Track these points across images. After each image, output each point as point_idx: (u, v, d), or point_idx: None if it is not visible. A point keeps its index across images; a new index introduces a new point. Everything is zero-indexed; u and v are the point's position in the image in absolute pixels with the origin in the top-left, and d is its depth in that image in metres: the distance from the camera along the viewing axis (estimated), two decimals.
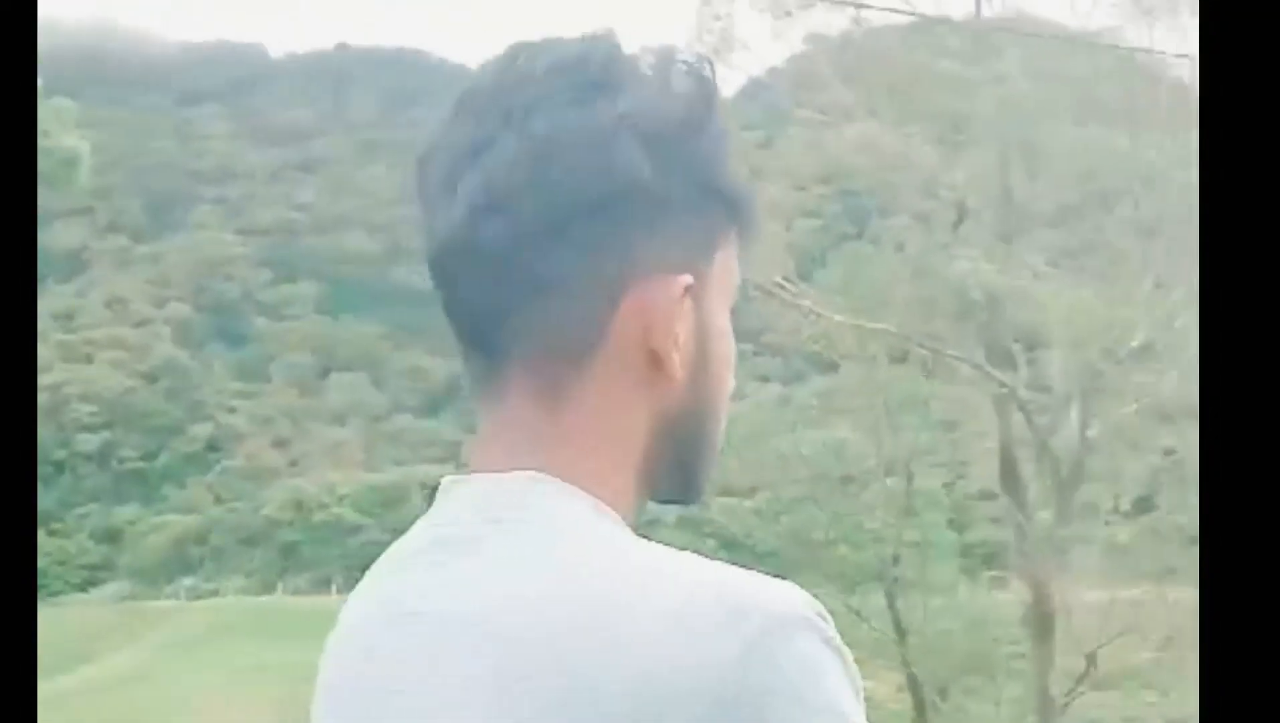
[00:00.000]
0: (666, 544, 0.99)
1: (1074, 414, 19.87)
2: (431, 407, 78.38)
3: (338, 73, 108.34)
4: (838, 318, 18.75)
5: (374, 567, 1.10)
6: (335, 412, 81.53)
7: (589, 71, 1.02)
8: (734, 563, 0.99)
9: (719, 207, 1.07)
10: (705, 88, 1.06)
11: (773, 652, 0.91)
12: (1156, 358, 20.55)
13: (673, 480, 1.09)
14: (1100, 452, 20.55)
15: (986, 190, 19.19)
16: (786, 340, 21.97)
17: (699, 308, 1.05)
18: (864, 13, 18.39)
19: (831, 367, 21.94)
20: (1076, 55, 17.99)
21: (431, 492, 1.08)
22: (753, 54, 18.95)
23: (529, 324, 1.02)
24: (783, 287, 18.76)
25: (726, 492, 22.77)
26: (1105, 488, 21.30)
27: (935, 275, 18.49)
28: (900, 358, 20.10)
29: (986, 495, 23.15)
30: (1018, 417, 19.63)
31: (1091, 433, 19.98)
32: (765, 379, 40.10)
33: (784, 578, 0.97)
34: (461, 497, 1.04)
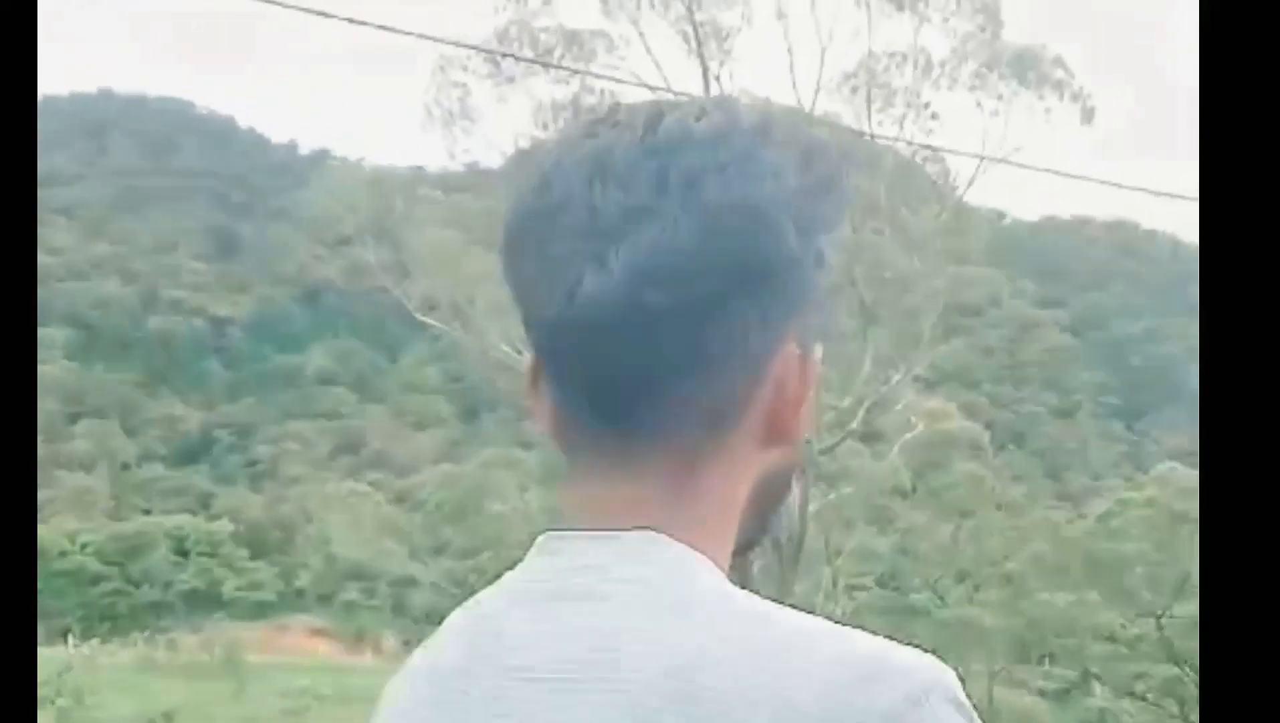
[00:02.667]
0: None
1: (796, 493, 20.31)
2: (184, 456, 76.03)
3: (100, 118, 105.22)
4: None
5: (458, 620, 1.07)
6: (83, 459, 78.34)
7: (745, 141, 1.01)
8: None
9: (829, 266, 1.07)
10: (832, 157, 1.07)
11: (919, 719, 0.93)
12: (879, 439, 21.07)
13: (752, 531, 1.10)
14: (822, 531, 21.04)
15: None
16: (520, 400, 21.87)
17: (810, 373, 1.08)
18: (597, 82, 18.58)
19: None
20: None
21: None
22: (485, 122, 18.97)
23: (674, 396, 1.01)
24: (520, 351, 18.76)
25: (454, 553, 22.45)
26: (826, 567, 21.76)
27: None
28: None
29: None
30: None
31: (813, 509, 20.40)
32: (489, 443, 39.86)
33: None
34: (572, 552, 1.02)
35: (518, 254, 1.02)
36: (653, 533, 1.00)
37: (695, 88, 18.68)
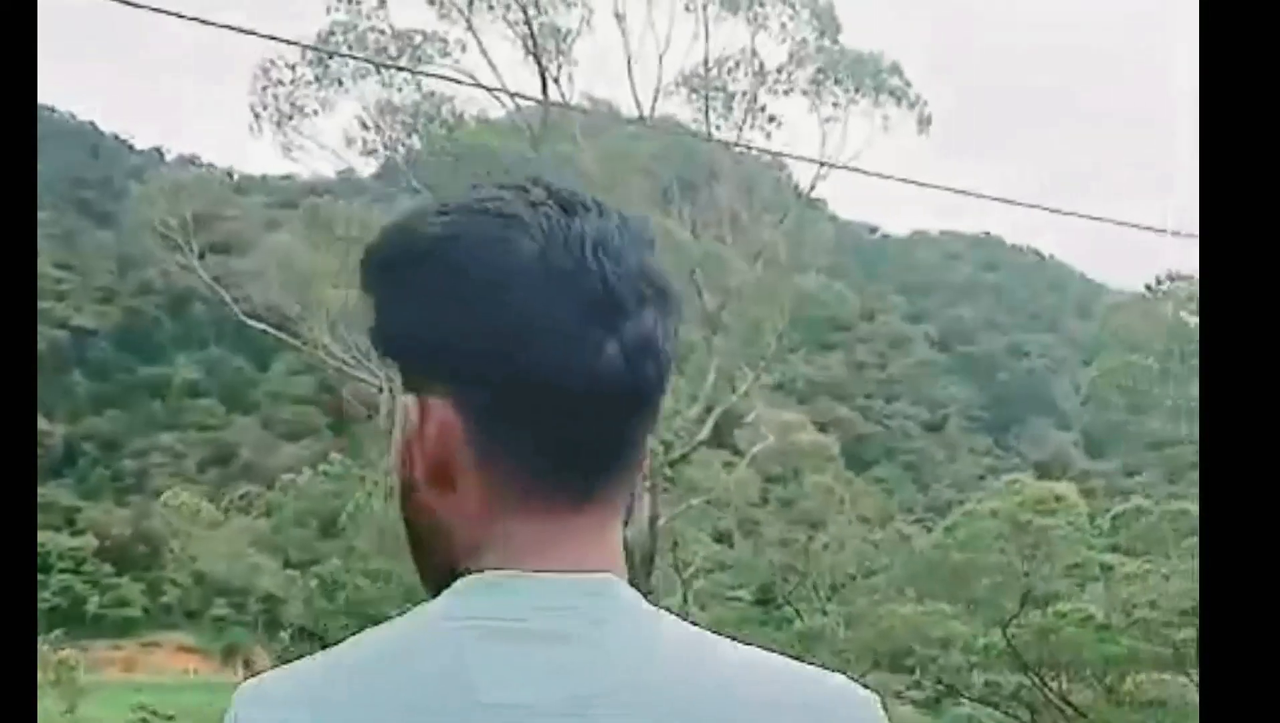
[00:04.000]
0: None
1: (644, 505, 20.25)
2: (47, 471, 74.04)
3: None
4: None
5: (390, 653, 1.06)
6: None
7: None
8: None
9: None
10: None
11: (858, 709, 1.08)
12: (731, 451, 21.09)
13: None
14: (669, 541, 21.01)
15: None
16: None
17: None
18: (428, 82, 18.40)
19: None
20: (640, 141, 18.51)
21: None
22: (315, 123, 18.73)
23: (630, 461, 1.11)
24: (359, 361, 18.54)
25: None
26: (677, 578, 21.71)
27: None
28: None
29: None
30: None
31: (662, 523, 20.34)
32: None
33: None
34: (530, 592, 1.06)
35: (526, 312, 1.05)
36: (610, 576, 1.07)
37: (532, 90, 18.63)
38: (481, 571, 1.07)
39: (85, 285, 78.32)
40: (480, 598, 1.06)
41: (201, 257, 20.28)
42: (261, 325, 19.76)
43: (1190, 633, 23.09)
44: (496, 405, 1.06)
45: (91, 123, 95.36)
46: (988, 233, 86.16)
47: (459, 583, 1.07)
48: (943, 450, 75.35)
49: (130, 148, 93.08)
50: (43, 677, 33.06)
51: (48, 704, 27.33)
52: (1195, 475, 20.36)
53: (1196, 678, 22.86)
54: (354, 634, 1.10)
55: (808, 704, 1.07)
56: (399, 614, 1.09)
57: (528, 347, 1.05)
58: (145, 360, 77.80)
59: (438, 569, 1.11)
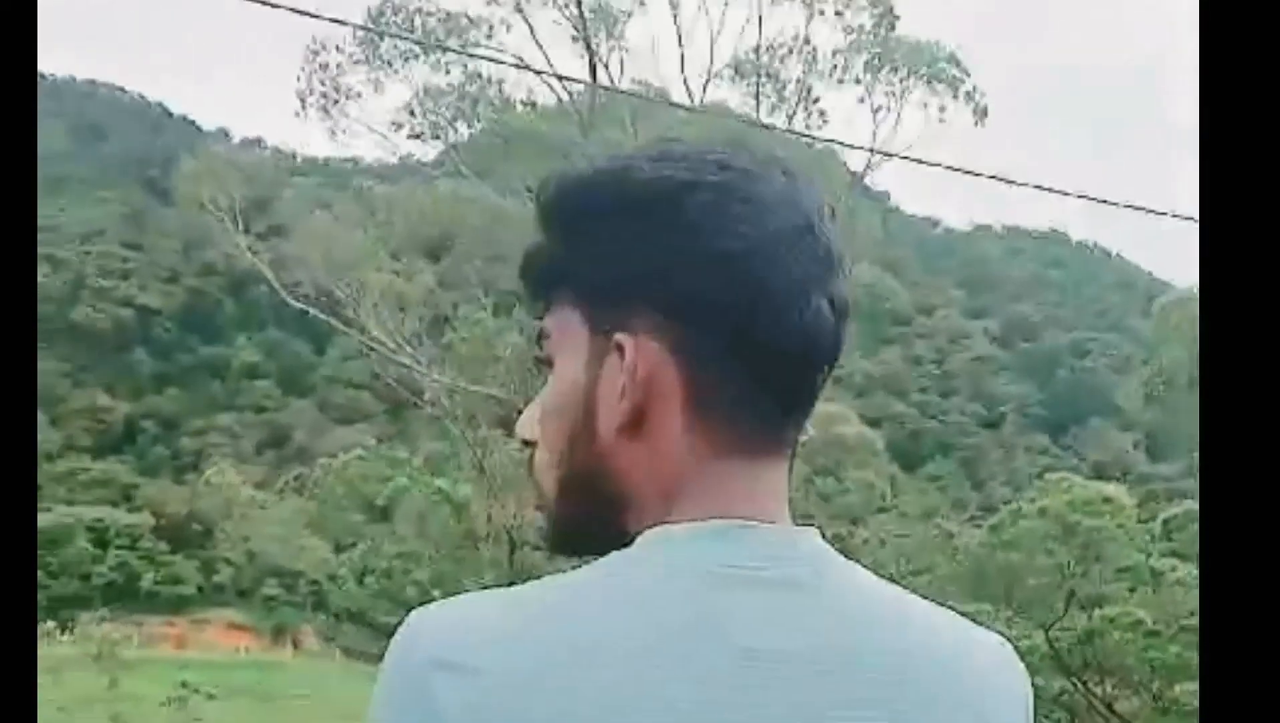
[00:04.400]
0: None
1: None
2: (107, 447, 75.08)
3: None
4: (443, 379, 18.54)
5: (585, 591, 1.05)
6: None
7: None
8: None
9: None
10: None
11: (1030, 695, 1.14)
12: None
13: None
14: None
15: None
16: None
17: None
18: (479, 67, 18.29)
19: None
20: (691, 127, 18.34)
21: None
22: (362, 105, 18.68)
23: (809, 407, 1.14)
24: (400, 346, 18.52)
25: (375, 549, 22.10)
26: None
27: None
28: (509, 423, 20.01)
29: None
30: None
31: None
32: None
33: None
34: (760, 541, 1.07)
35: (765, 264, 1.09)
36: (813, 529, 1.11)
37: (581, 74, 18.48)
38: (681, 520, 1.07)
39: (151, 266, 79.25)
40: (714, 544, 1.06)
41: (248, 233, 20.27)
42: (307, 307, 19.74)
43: None
44: (721, 353, 1.08)
45: (160, 103, 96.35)
46: (1053, 229, 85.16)
47: (678, 530, 1.06)
48: (999, 448, 74.68)
49: (198, 129, 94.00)
50: (85, 652, 33.49)
51: (88, 679, 27.61)
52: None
53: None
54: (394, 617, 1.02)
55: (1007, 655, 1.12)
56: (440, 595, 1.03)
57: (759, 301, 1.08)
58: (206, 341, 78.59)
59: (598, 521, 1.10)
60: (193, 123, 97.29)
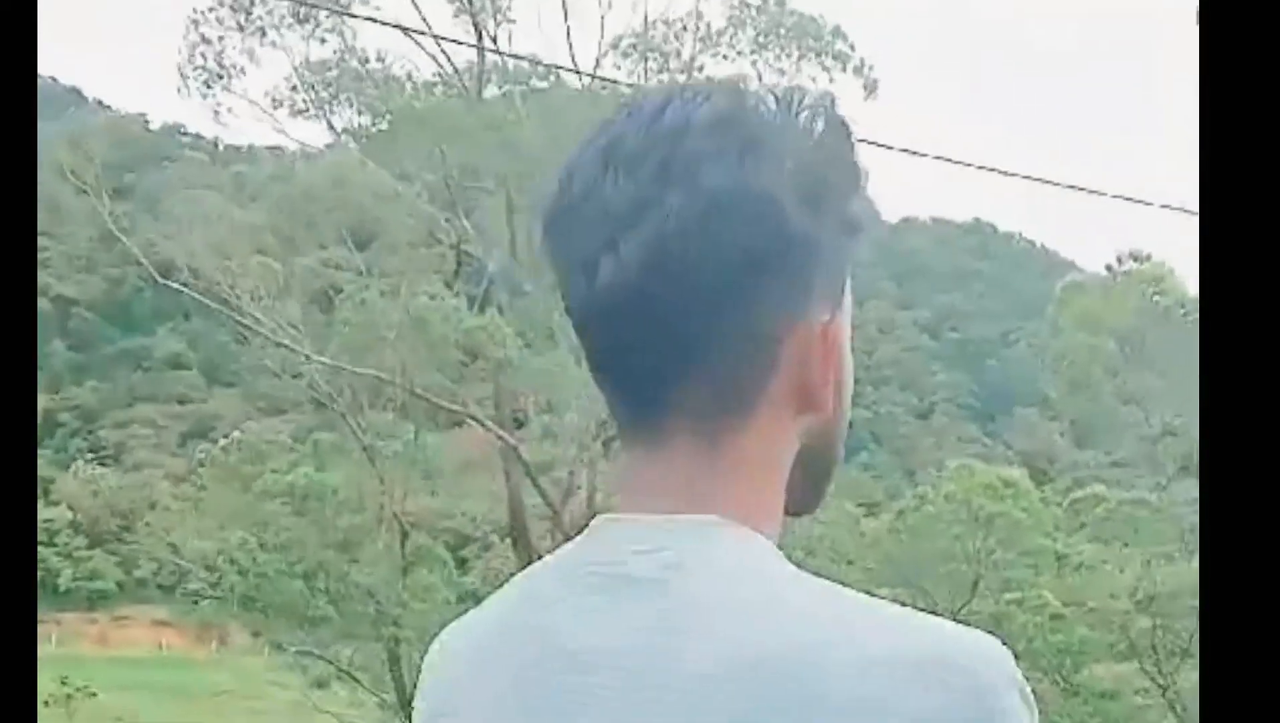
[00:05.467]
0: None
1: (584, 480, 19.83)
2: None
3: None
4: (325, 360, 18.11)
5: (511, 598, 1.10)
6: None
7: (746, 126, 1.04)
8: None
9: (854, 239, 1.09)
10: (847, 133, 1.09)
11: (999, 710, 0.95)
12: None
13: (804, 497, 1.13)
14: None
15: (494, 242, 18.98)
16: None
17: (835, 338, 1.09)
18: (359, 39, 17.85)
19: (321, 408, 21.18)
20: (580, 103, 18.02)
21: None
22: (242, 81, 18.21)
23: (695, 378, 1.04)
24: (281, 328, 18.07)
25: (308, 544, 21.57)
26: None
27: (437, 326, 18.12)
28: (397, 407, 19.61)
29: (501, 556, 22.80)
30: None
31: (601, 500, 19.94)
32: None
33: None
34: (628, 537, 1.04)
35: (551, 248, 1.07)
36: (709, 517, 1.02)
37: (467, 49, 18.11)
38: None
39: (68, 254, 77.89)
40: (592, 542, 1.06)
41: (113, 210, 19.71)
42: (181, 289, 19.23)
43: (1145, 623, 22.86)
44: (579, 343, 1.08)
45: (76, 88, 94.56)
46: (979, 219, 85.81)
47: (591, 523, 1.08)
48: (930, 438, 75.12)
49: (108, 108, 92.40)
50: None
51: None
52: (1169, 464, 20.04)
53: (1150, 668, 22.65)
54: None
55: (949, 663, 0.96)
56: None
57: (558, 276, 1.07)
58: (126, 331, 77.40)
59: None
60: (111, 108, 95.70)
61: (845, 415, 1.15)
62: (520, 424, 19.83)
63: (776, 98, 1.08)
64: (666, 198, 1.01)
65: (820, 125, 1.08)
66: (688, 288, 1.01)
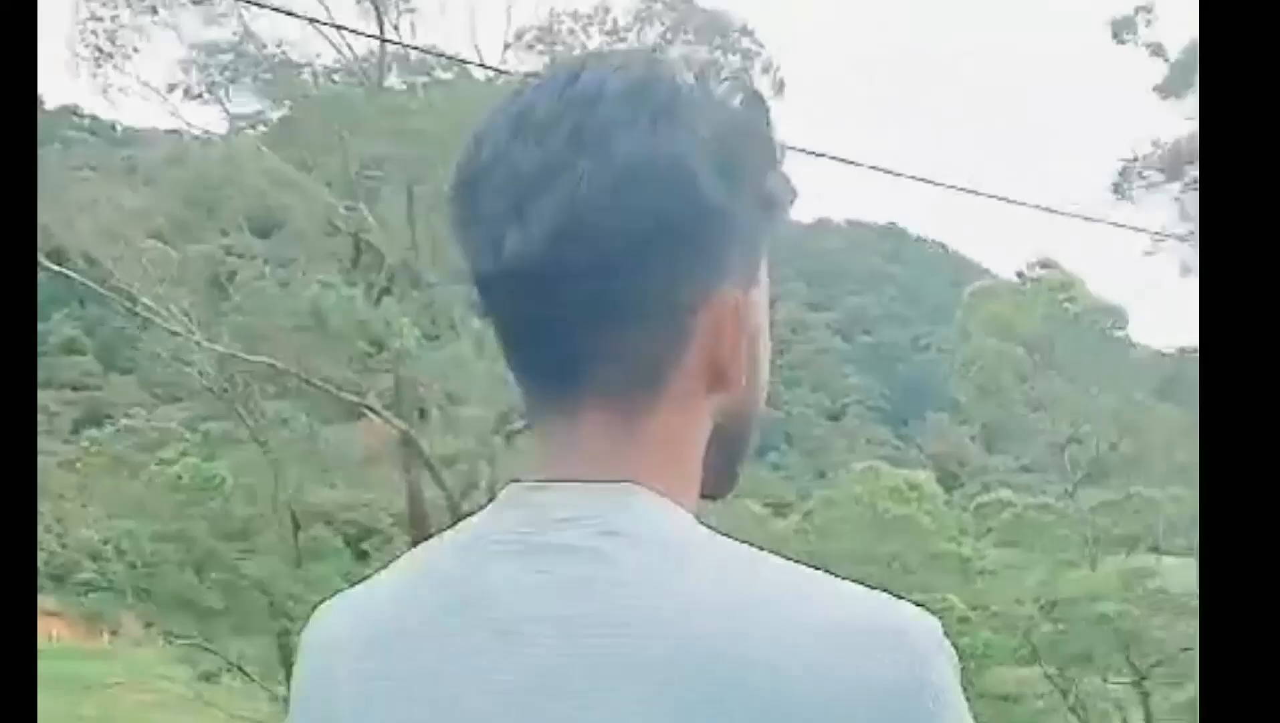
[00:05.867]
0: None
1: (485, 475, 19.49)
2: None
3: None
4: (217, 348, 17.58)
5: (414, 569, 1.08)
6: None
7: (660, 94, 1.03)
8: None
9: (771, 213, 1.10)
10: (757, 102, 1.09)
11: (933, 676, 0.95)
12: None
13: (718, 478, 1.12)
14: None
15: (395, 233, 18.56)
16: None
17: (750, 315, 1.09)
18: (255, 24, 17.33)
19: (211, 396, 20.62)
20: (484, 95, 17.67)
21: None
22: (135, 63, 17.61)
23: (606, 348, 1.03)
24: (170, 314, 17.52)
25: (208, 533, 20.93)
26: None
27: (333, 315, 17.66)
28: (293, 398, 19.11)
29: (401, 549, 22.33)
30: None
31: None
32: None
33: None
34: (552, 504, 1.02)
35: (457, 217, 1.05)
36: (628, 484, 1.01)
37: (369, 38, 17.64)
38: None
39: None
40: (508, 511, 1.04)
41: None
42: (69, 274, 18.57)
43: (1048, 628, 22.92)
44: (485, 311, 1.06)
45: None
46: (892, 223, 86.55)
47: (500, 494, 1.06)
48: (842, 439, 75.66)
49: None
50: None
51: None
52: (1074, 470, 19.99)
53: (1052, 673, 22.73)
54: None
55: (886, 631, 0.95)
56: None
57: (463, 246, 1.05)
58: None
59: None
60: None
61: (760, 395, 1.14)
62: (421, 416, 19.40)
63: (694, 69, 1.06)
64: (577, 164, 0.99)
65: (737, 98, 1.07)
66: (598, 257, 0.99)
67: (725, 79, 1.07)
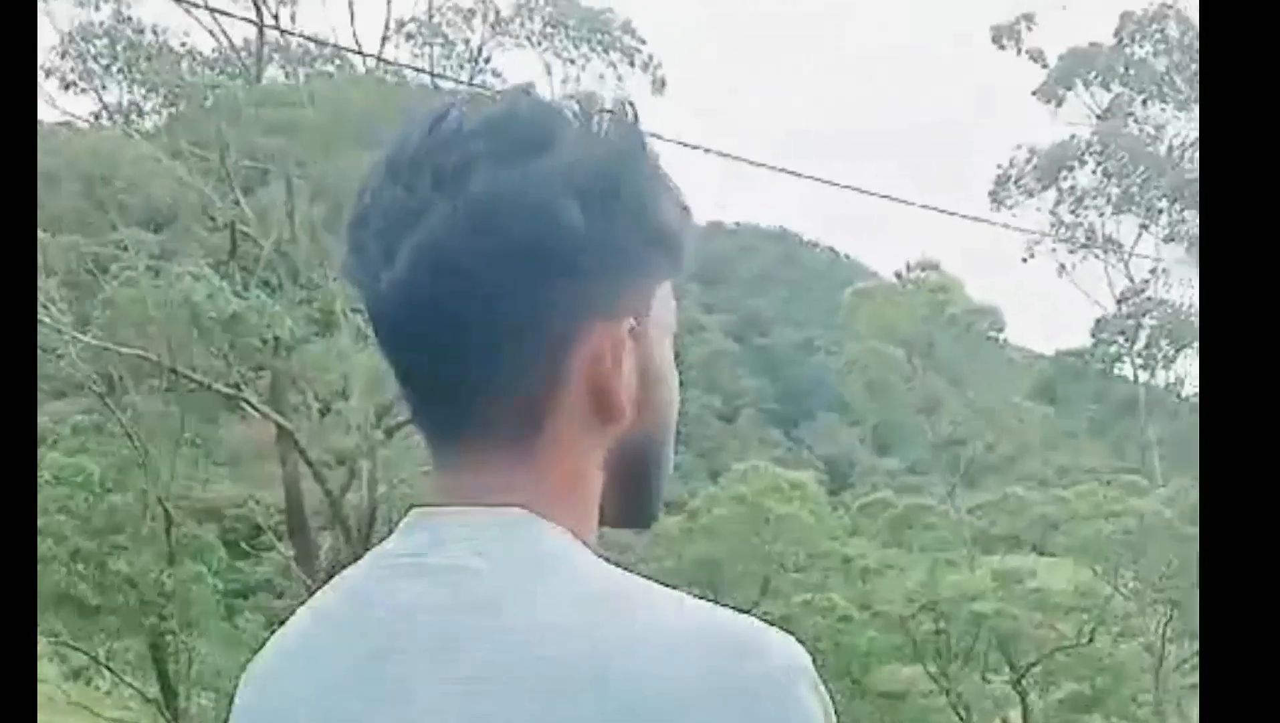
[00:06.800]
0: None
1: (365, 471, 19.21)
2: None
3: None
4: (85, 339, 17.12)
5: (328, 594, 1.10)
6: None
7: (518, 128, 1.03)
8: None
9: (657, 245, 1.09)
10: (632, 134, 1.09)
11: (783, 697, 0.96)
12: None
13: (626, 508, 1.13)
14: (394, 510, 20.01)
15: (273, 225, 18.23)
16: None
17: (641, 347, 1.09)
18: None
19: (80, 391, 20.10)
20: (363, 87, 17.43)
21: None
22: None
23: (484, 379, 1.04)
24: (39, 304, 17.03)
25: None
26: None
27: (206, 308, 17.26)
28: (170, 390, 18.66)
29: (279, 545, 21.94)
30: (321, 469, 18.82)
31: (381, 492, 19.40)
32: None
33: None
34: (442, 528, 1.05)
35: (346, 260, 1.07)
36: (518, 510, 1.04)
37: (247, 27, 17.32)
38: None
39: None
40: (403, 535, 1.07)
41: None
42: None
43: (929, 626, 23.12)
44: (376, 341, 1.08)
45: None
46: (784, 226, 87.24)
47: (404, 519, 1.08)
48: (735, 441, 76.01)
49: None
50: None
51: None
52: (954, 471, 20.19)
53: (934, 670, 22.93)
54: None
55: (738, 652, 0.98)
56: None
57: (352, 278, 1.06)
58: None
59: None
60: None
61: (661, 426, 1.14)
62: (299, 410, 19.07)
63: (576, 103, 1.07)
64: (437, 204, 1.01)
65: (613, 131, 1.07)
66: (461, 292, 1.01)
67: (601, 111, 1.08)
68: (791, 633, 1.03)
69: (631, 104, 1.10)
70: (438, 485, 1.08)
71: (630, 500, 1.13)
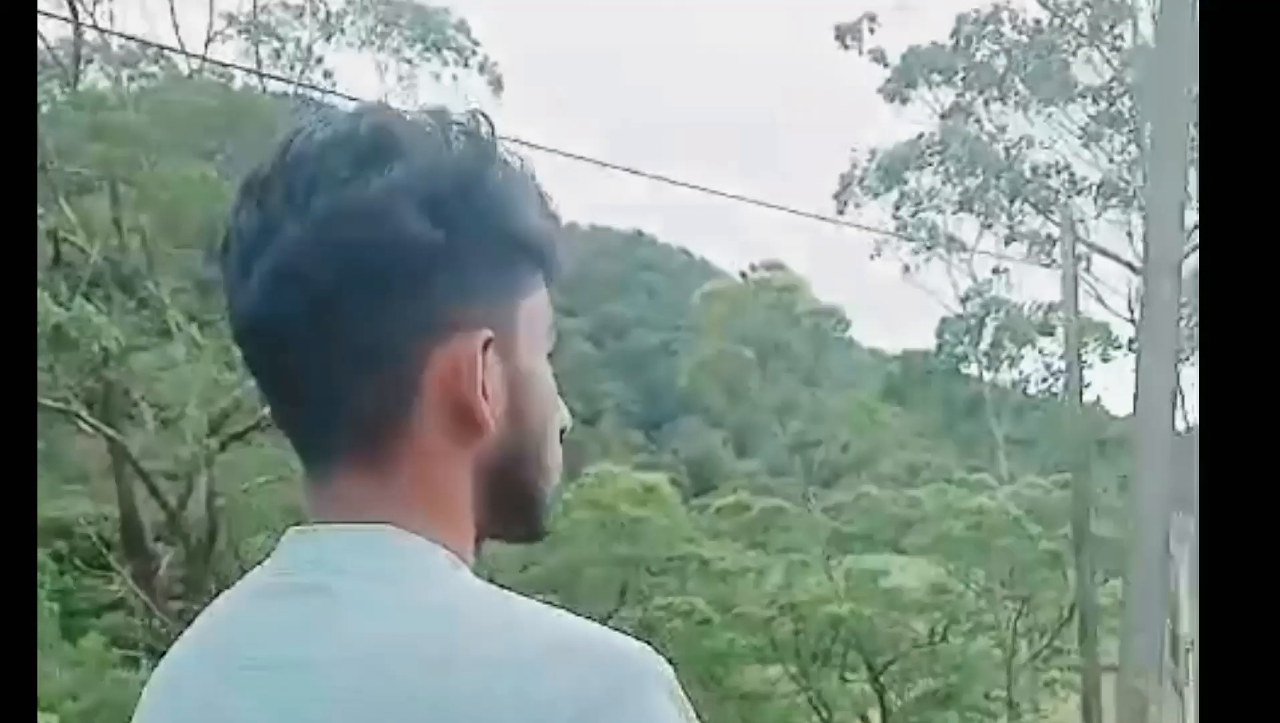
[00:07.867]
0: None
1: (204, 483, 18.59)
2: None
3: None
4: None
5: (203, 616, 1.11)
6: None
7: (359, 144, 1.03)
8: None
9: (518, 255, 1.09)
10: (479, 144, 1.09)
11: (636, 702, 0.95)
12: None
13: (510, 522, 1.13)
14: (233, 524, 19.41)
15: (101, 232, 17.49)
16: None
17: (508, 356, 1.08)
18: None
19: None
20: (187, 87, 16.82)
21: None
22: None
23: (341, 393, 1.04)
24: None
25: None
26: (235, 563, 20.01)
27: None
28: None
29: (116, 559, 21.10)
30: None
31: (220, 504, 18.82)
32: None
33: None
34: (304, 547, 1.06)
35: (225, 259, 1.07)
36: (382, 526, 1.03)
37: (57, 27, 16.59)
38: None
39: None
40: (276, 554, 1.08)
41: None
42: None
43: (788, 627, 23.13)
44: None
45: None
46: (640, 231, 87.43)
47: (280, 540, 1.08)
48: (597, 444, 75.82)
49: None
50: None
51: None
52: (808, 471, 20.14)
53: (793, 671, 22.95)
54: None
55: (590, 661, 0.97)
56: None
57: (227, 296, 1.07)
58: None
59: None
60: None
61: (534, 438, 1.12)
62: (135, 422, 18.36)
63: (427, 116, 1.07)
64: (285, 224, 1.01)
65: (464, 142, 1.07)
66: (309, 309, 1.01)
67: (449, 124, 1.07)
68: (650, 640, 1.01)
69: (484, 115, 1.10)
70: (311, 503, 1.07)
71: (514, 513, 1.13)
